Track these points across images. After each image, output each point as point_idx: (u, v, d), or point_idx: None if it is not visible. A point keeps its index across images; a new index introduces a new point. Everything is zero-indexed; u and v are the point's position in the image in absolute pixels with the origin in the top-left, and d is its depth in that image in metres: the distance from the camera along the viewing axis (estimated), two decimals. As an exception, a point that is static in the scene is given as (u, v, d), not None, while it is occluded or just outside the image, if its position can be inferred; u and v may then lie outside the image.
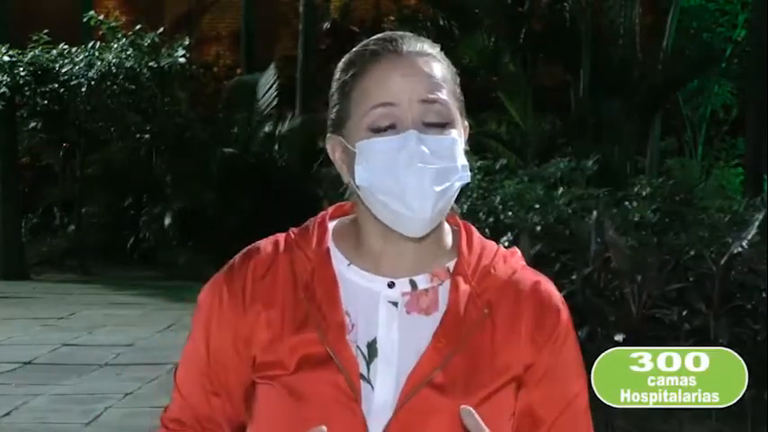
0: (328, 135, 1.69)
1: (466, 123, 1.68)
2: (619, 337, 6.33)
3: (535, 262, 6.33)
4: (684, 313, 6.50)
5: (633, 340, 6.34)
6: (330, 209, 1.76)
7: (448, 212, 1.67)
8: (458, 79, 1.69)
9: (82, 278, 15.00)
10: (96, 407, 7.48)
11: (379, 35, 1.69)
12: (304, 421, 1.59)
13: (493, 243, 1.73)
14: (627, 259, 6.58)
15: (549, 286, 1.70)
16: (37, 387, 8.06)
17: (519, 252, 1.74)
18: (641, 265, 6.65)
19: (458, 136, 1.63)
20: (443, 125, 1.62)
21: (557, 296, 1.69)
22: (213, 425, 1.71)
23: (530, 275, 1.70)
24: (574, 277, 6.73)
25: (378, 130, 1.61)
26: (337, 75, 1.69)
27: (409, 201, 1.58)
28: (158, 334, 10.34)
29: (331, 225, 1.73)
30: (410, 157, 1.58)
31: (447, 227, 1.71)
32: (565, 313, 1.69)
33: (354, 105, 1.64)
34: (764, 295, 6.60)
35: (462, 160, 1.63)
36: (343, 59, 1.70)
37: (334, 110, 1.68)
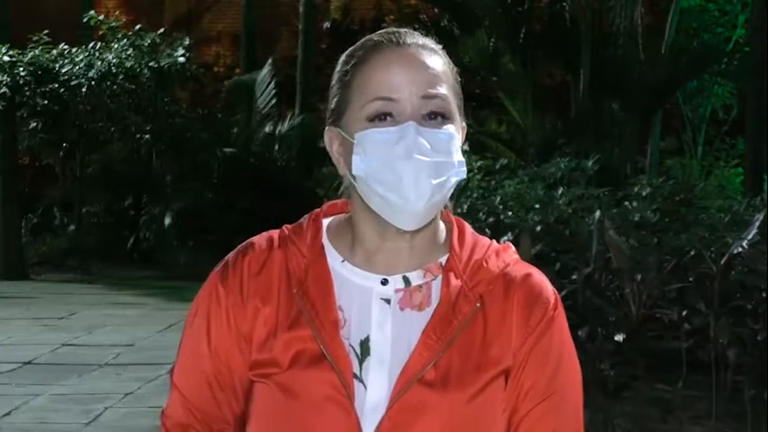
0: (327, 127, 1.68)
1: (464, 124, 1.67)
2: (619, 337, 6.33)
3: (535, 262, 6.35)
4: (684, 313, 6.49)
5: (633, 340, 6.35)
6: (324, 206, 1.75)
7: (442, 208, 1.66)
8: (459, 78, 1.68)
9: (82, 278, 14.98)
10: (96, 407, 7.47)
11: (384, 30, 1.69)
12: (298, 420, 1.59)
13: (486, 238, 1.72)
14: (627, 259, 6.58)
15: (540, 278, 1.68)
16: (37, 387, 8.05)
17: (512, 247, 1.73)
18: (641, 265, 6.65)
19: (455, 132, 1.62)
20: (442, 119, 1.61)
21: (548, 288, 1.67)
22: (222, 424, 1.69)
23: (522, 268, 1.68)
24: (574, 277, 6.73)
25: (375, 119, 1.60)
26: (339, 66, 1.68)
27: (405, 192, 1.57)
28: (158, 334, 10.33)
29: (325, 222, 1.72)
30: (408, 149, 1.57)
31: (441, 223, 1.70)
32: (554, 306, 1.66)
33: (355, 95, 1.63)
34: (764, 295, 6.60)
35: (459, 156, 1.62)
36: (345, 52, 1.69)
37: (334, 100, 1.67)
